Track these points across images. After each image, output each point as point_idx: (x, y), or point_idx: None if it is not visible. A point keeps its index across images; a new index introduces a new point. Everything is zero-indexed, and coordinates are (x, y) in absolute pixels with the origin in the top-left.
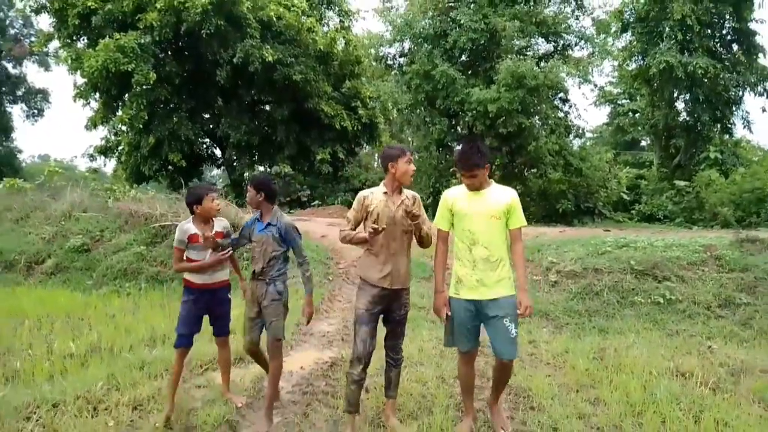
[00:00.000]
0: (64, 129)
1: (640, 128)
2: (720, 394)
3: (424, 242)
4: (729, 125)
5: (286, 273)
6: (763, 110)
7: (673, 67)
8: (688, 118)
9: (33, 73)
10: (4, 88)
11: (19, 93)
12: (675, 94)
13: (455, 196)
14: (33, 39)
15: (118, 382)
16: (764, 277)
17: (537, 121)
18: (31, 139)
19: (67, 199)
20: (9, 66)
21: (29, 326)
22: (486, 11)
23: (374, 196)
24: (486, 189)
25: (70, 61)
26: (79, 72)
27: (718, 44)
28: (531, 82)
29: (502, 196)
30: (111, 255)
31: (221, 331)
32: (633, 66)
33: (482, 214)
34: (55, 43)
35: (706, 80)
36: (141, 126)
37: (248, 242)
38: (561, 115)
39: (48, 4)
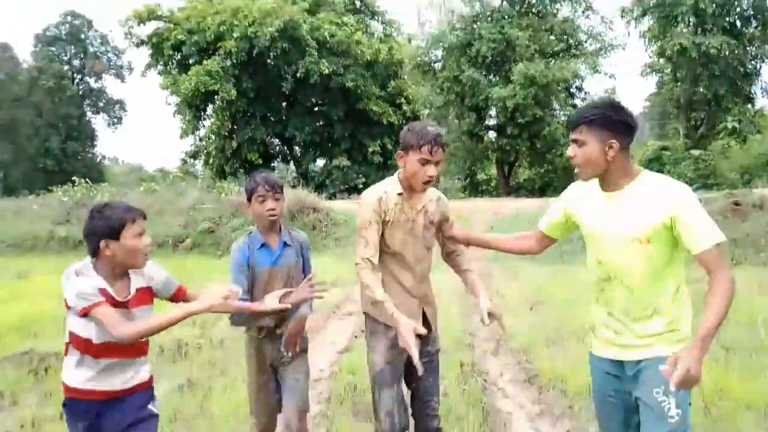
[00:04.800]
0: (133, 133)
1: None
2: None
3: (451, 259)
4: (750, 96)
5: None
6: None
7: (687, 49)
8: (706, 92)
9: (110, 85)
10: (87, 101)
11: (101, 104)
12: (695, 71)
13: (580, 198)
14: (109, 55)
15: None
16: None
17: (555, 109)
18: (101, 143)
19: (190, 196)
20: (91, 81)
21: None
22: (503, 23)
23: (389, 198)
24: (626, 187)
25: (169, 86)
26: (173, 93)
27: (737, 21)
28: (542, 80)
29: (654, 202)
30: (230, 233)
31: None
32: (654, 47)
33: (617, 235)
34: (128, 57)
35: (721, 57)
36: (225, 133)
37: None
38: (577, 102)
39: (147, 40)
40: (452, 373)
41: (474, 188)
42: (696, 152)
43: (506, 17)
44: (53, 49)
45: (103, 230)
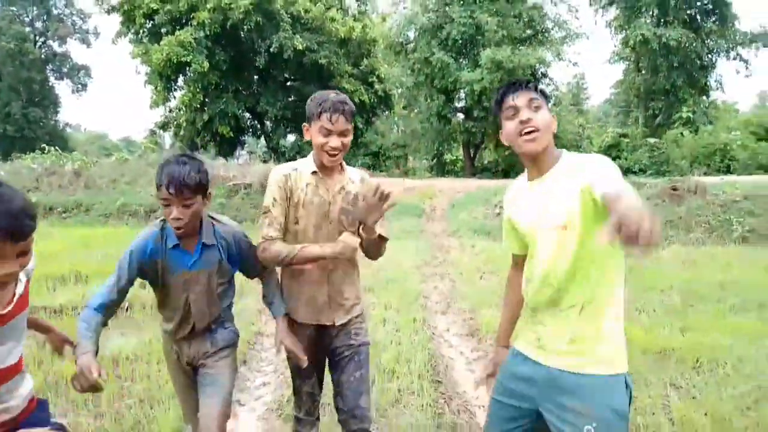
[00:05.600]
0: (96, 100)
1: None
2: None
3: (370, 252)
4: (705, 87)
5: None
6: (737, 72)
7: (648, 39)
8: (665, 83)
9: (75, 50)
10: (51, 66)
11: (65, 69)
12: (656, 61)
13: (512, 197)
14: (74, 18)
15: None
16: None
17: None
18: (64, 109)
19: None
20: (55, 45)
21: None
22: (473, 8)
23: (299, 176)
24: (550, 171)
25: (140, 55)
26: (144, 62)
27: (696, 14)
28: (508, 65)
29: (575, 178)
30: None
31: None
32: (619, 37)
33: (543, 225)
34: (94, 22)
35: (680, 49)
36: (197, 106)
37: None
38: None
39: (118, 7)
40: (406, 327)
41: (441, 168)
42: (652, 140)
43: (477, 1)
44: (14, 9)
45: None
